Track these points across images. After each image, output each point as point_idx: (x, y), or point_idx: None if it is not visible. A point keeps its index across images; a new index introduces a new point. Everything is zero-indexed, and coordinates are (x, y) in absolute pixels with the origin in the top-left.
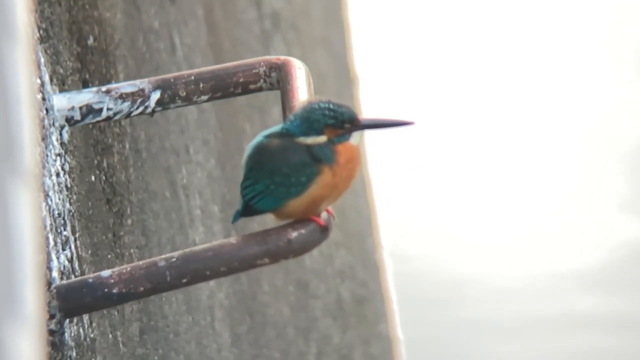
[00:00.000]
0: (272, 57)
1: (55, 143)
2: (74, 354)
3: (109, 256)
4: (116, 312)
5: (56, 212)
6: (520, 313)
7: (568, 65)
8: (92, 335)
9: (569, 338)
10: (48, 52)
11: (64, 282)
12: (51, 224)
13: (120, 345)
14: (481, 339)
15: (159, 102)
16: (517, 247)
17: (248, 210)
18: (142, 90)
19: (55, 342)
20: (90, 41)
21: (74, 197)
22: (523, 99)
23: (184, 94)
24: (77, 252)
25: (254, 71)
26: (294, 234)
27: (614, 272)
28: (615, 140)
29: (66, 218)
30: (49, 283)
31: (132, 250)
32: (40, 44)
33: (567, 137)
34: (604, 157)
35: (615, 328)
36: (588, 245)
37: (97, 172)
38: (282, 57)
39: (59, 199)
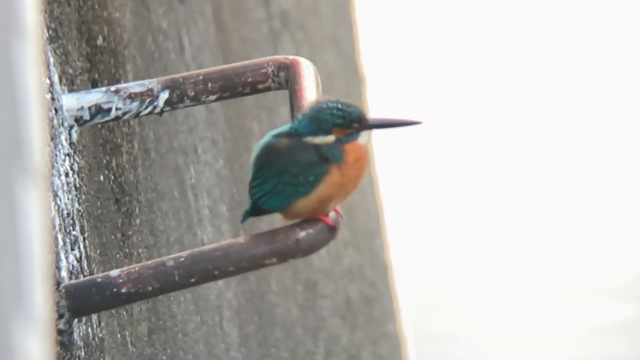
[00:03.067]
0: (281, 57)
1: (64, 143)
2: (83, 353)
3: (118, 256)
4: (125, 312)
5: (65, 212)
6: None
7: (586, 59)
8: (100, 335)
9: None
10: (57, 52)
11: (73, 281)
12: (60, 224)
13: (129, 345)
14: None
15: (167, 102)
16: (529, 247)
17: (256, 209)
18: (151, 90)
19: (64, 341)
20: (100, 41)
21: (83, 197)
22: (534, 98)
23: (193, 93)
24: (86, 252)
25: (263, 71)
26: (302, 234)
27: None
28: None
29: (75, 218)
30: (58, 283)
31: (140, 250)
32: (50, 44)
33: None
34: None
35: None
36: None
37: (106, 171)
38: (291, 57)
39: (68, 199)
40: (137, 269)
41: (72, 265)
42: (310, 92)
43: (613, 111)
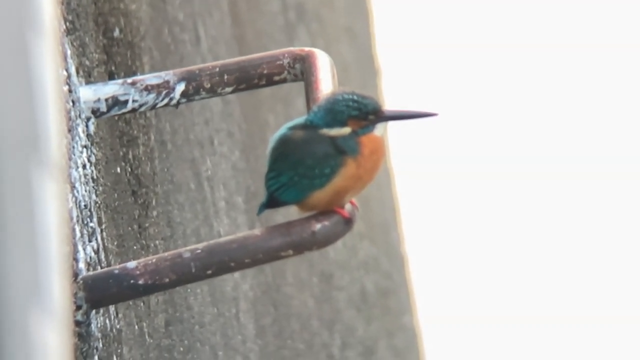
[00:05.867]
0: (296, 49)
1: (82, 135)
2: (100, 344)
3: (135, 247)
4: (142, 304)
5: (82, 203)
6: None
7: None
8: (118, 327)
9: None
10: (74, 44)
11: (91, 273)
12: (78, 216)
13: (146, 337)
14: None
15: (183, 94)
16: (544, 240)
17: (272, 202)
18: (167, 82)
19: (81, 333)
20: (116, 33)
21: (100, 188)
22: (555, 93)
23: (209, 85)
24: (103, 244)
25: (278, 62)
26: (318, 226)
27: None
28: None
29: (92, 210)
30: (76, 274)
31: (157, 242)
32: (67, 36)
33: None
34: None
35: None
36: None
37: (123, 163)
38: (306, 49)
39: (85, 191)
40: (154, 260)
41: (90, 257)
42: (326, 84)
43: None
